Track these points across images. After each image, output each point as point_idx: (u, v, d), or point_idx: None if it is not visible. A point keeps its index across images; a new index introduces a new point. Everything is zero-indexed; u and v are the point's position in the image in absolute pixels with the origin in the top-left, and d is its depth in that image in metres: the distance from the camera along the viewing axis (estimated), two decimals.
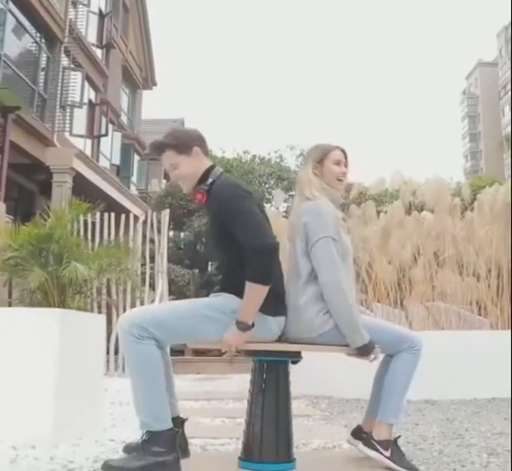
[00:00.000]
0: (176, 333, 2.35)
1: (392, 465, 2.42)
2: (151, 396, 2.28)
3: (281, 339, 2.48)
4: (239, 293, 2.33)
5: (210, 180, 2.45)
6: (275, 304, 2.40)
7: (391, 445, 2.47)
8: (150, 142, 2.59)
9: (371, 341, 2.43)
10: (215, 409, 4.25)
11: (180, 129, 2.55)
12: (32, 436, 2.72)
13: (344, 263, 2.52)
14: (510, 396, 4.59)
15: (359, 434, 2.61)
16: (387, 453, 2.44)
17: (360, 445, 2.55)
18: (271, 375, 2.43)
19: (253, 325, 2.30)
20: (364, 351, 2.43)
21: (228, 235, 2.35)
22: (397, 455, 2.45)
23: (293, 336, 2.48)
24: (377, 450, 2.46)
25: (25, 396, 2.87)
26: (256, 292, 2.28)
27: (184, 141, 2.48)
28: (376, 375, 2.63)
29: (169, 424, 2.29)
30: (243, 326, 2.29)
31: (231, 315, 2.33)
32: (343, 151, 2.72)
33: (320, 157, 2.67)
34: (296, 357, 2.49)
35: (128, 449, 2.47)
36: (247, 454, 2.40)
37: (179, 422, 2.49)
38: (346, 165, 2.71)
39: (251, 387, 2.46)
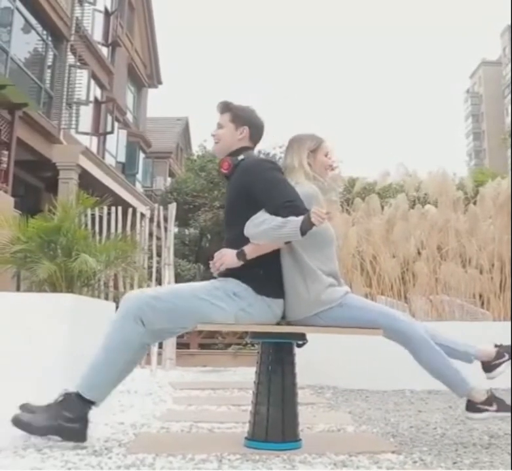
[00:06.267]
0: (175, 316, 2.41)
1: None
2: (104, 369, 2.42)
3: (283, 321, 2.54)
4: (239, 277, 2.42)
5: (242, 156, 2.58)
6: (273, 287, 2.48)
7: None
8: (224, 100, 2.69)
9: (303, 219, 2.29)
10: (221, 397, 4.31)
11: (251, 109, 2.67)
12: None
13: (328, 249, 2.59)
14: (510, 386, 4.62)
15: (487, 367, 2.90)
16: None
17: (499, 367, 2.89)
18: (277, 357, 2.48)
19: (245, 260, 2.41)
20: (308, 226, 2.29)
21: (246, 209, 2.43)
22: None
23: (293, 318, 2.53)
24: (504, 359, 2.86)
25: (36, 381, 2.93)
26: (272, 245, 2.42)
27: (243, 116, 2.63)
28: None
29: (96, 399, 2.40)
30: (241, 256, 2.41)
31: (233, 297, 2.40)
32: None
33: (314, 147, 2.77)
34: (301, 339, 2.54)
35: (26, 408, 2.44)
36: (254, 434, 2.45)
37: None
38: (331, 157, 2.83)
39: (257, 368, 2.51)
